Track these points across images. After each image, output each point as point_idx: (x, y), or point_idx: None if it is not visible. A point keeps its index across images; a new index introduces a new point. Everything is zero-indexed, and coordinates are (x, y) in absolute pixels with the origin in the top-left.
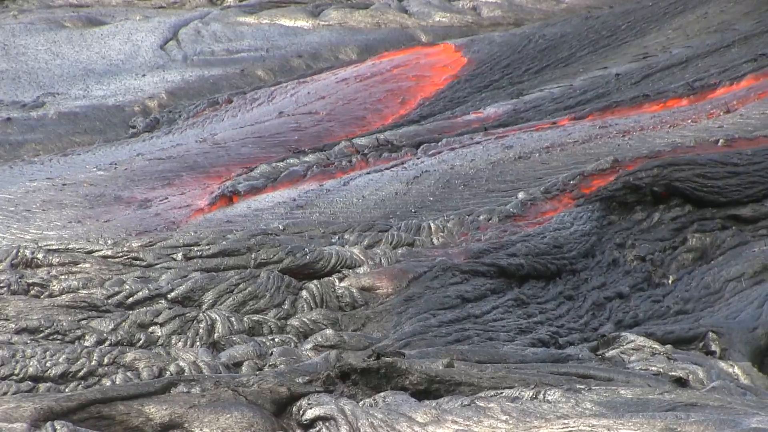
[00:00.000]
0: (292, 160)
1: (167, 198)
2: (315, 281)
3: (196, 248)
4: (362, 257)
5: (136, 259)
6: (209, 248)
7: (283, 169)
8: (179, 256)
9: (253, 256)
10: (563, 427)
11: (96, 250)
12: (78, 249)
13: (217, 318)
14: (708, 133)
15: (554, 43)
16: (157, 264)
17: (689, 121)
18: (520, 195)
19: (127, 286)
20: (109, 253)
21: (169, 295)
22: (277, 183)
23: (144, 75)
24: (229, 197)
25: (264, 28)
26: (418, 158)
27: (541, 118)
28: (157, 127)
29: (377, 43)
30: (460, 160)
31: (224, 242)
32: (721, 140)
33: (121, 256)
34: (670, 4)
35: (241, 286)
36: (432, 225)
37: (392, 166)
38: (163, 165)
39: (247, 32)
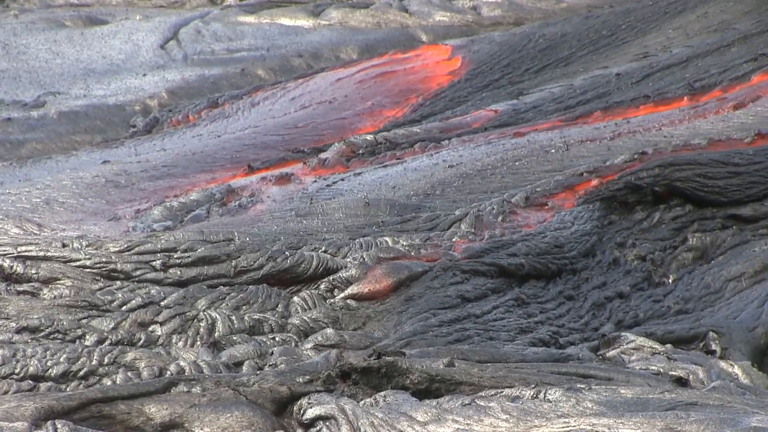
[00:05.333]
0: (184, 200)
1: (64, 228)
2: (306, 292)
3: (174, 255)
4: (342, 260)
5: (114, 270)
6: (188, 255)
7: (179, 209)
8: (158, 263)
9: (233, 263)
10: (564, 426)
11: (75, 259)
12: (58, 257)
13: (218, 317)
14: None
15: (554, 42)
16: (137, 273)
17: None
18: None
19: (120, 295)
20: (88, 263)
21: (161, 303)
22: (185, 224)
23: (144, 74)
24: None
25: (264, 28)
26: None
27: (541, 119)
28: (157, 126)
29: (378, 42)
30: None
31: (202, 248)
32: (584, 173)
33: (99, 267)
34: (670, 4)
35: (231, 294)
36: (389, 240)
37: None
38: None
39: (248, 32)
